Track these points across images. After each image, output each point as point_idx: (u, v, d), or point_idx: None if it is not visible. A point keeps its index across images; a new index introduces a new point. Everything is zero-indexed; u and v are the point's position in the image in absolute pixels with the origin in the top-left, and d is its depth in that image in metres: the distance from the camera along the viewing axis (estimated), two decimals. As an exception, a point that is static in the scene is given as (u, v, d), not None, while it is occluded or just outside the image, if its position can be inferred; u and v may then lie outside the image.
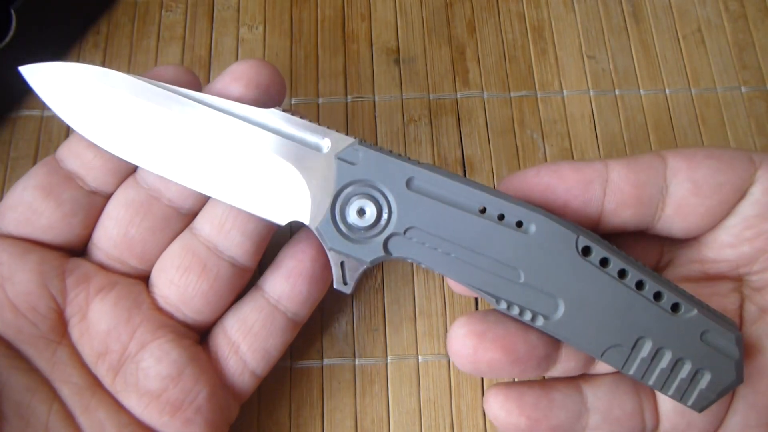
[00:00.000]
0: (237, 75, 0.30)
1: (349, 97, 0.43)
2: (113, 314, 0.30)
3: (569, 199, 0.27)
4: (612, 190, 0.27)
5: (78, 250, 0.32)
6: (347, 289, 0.28)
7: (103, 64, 0.44)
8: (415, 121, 0.43)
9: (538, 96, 0.44)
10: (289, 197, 0.28)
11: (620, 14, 0.46)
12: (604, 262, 0.25)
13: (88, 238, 0.32)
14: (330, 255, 0.28)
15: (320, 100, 0.43)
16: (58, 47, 0.43)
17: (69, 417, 0.28)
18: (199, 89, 0.31)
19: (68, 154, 0.32)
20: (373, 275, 0.39)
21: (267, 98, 0.31)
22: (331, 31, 0.45)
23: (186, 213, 0.32)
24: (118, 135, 0.30)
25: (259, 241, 0.31)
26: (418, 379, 0.37)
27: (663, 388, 0.26)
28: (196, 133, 0.29)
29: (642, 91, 0.44)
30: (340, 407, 0.37)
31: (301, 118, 0.28)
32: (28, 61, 0.41)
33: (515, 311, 0.26)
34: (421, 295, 0.39)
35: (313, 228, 0.28)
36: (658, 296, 0.25)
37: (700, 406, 0.26)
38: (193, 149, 0.30)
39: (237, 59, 0.44)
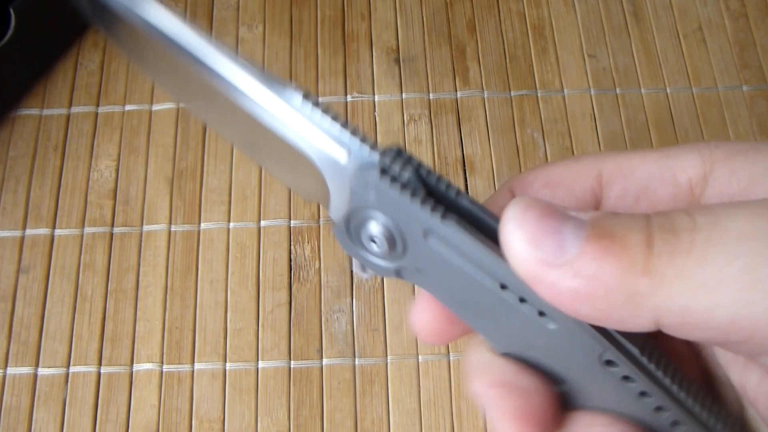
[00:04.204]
0: None
1: (349, 96, 0.43)
2: None
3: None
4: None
5: None
6: (367, 275, 0.26)
7: (102, 64, 0.44)
8: (415, 120, 0.42)
9: (539, 95, 0.44)
10: (315, 181, 0.25)
11: (621, 13, 0.46)
12: (626, 378, 0.22)
13: None
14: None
15: (320, 100, 0.43)
16: (57, 46, 0.43)
17: None
18: None
19: None
20: (373, 275, 0.39)
21: None
22: (331, 30, 0.45)
23: None
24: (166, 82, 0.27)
25: None
26: (418, 379, 0.37)
27: None
28: (226, 103, 0.24)
29: (643, 90, 0.44)
30: (340, 407, 0.36)
31: (323, 113, 0.22)
32: (27, 60, 0.41)
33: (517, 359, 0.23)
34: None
35: (333, 221, 0.25)
36: (675, 424, 0.22)
37: None
38: (227, 117, 0.25)
39: (237, 58, 0.44)
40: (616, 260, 0.17)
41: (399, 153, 0.21)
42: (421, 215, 0.20)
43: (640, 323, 0.17)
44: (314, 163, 0.23)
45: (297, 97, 0.22)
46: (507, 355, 0.23)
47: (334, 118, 0.22)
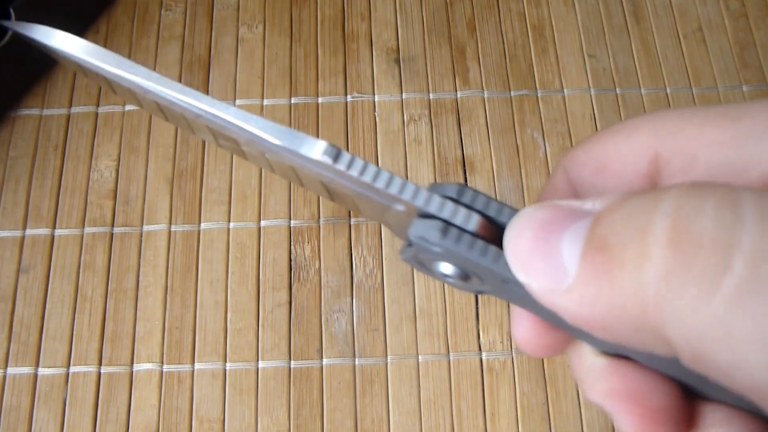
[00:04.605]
0: None
1: (348, 96, 0.43)
2: None
3: None
4: None
5: None
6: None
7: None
8: (415, 120, 0.42)
9: (539, 95, 0.44)
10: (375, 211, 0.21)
11: (621, 13, 0.46)
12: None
13: None
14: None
15: (320, 100, 0.43)
16: (58, 46, 0.43)
17: None
18: None
19: None
20: (373, 275, 0.39)
21: None
22: (331, 30, 0.45)
23: None
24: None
25: None
26: (418, 379, 0.37)
27: None
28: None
29: (643, 90, 0.44)
30: (340, 407, 0.36)
31: (360, 173, 0.18)
32: (27, 60, 0.41)
33: None
34: (421, 295, 0.39)
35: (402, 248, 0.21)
36: None
37: None
38: (262, 161, 0.22)
39: (237, 59, 0.44)
40: (610, 282, 0.12)
41: (459, 195, 0.18)
42: (497, 270, 0.17)
43: (668, 353, 0.13)
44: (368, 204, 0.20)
45: (327, 160, 0.18)
46: (614, 355, 0.20)
47: (376, 176, 0.18)
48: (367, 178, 0.18)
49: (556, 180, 0.20)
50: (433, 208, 0.17)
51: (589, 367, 0.19)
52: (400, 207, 0.18)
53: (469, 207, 0.18)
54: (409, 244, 0.19)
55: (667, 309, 0.12)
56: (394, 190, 0.18)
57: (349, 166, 0.18)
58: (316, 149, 0.18)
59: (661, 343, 0.13)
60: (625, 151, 0.18)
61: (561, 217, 0.14)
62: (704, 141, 0.16)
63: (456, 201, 0.18)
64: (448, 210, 0.17)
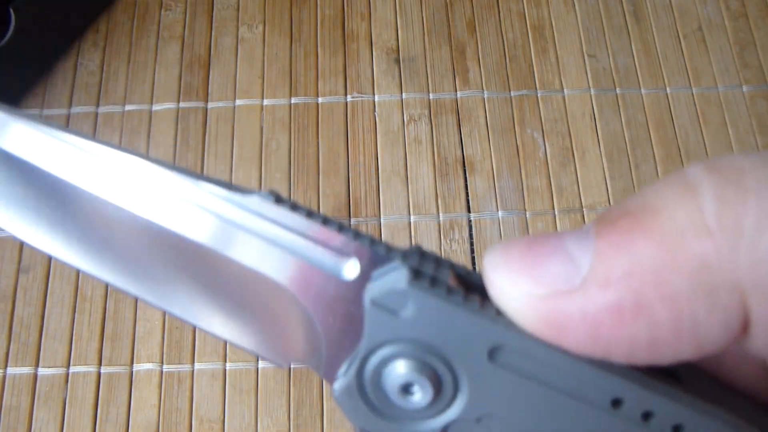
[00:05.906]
0: None
1: (348, 96, 0.43)
2: None
3: None
4: None
5: None
6: None
7: (102, 63, 0.44)
8: (415, 120, 0.42)
9: (539, 95, 0.44)
10: (292, 328, 0.17)
11: (621, 13, 0.46)
12: None
13: None
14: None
15: (320, 100, 0.43)
16: (57, 46, 0.43)
17: None
18: None
19: None
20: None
21: None
22: (331, 30, 0.45)
23: None
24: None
25: None
26: (418, 379, 0.37)
27: None
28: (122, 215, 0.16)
29: (643, 90, 0.44)
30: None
31: (307, 215, 0.16)
32: (27, 60, 0.41)
33: None
34: (421, 295, 0.39)
35: (330, 386, 0.16)
36: None
37: None
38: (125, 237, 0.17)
39: (237, 59, 0.44)
40: (650, 233, 0.10)
41: (421, 253, 0.15)
42: (487, 329, 0.14)
43: (726, 321, 0.10)
44: (295, 295, 0.16)
45: (267, 206, 0.16)
46: None
47: (325, 221, 0.15)
48: (316, 220, 0.15)
49: None
50: (395, 260, 0.14)
51: None
52: (349, 274, 0.15)
53: (436, 263, 0.15)
54: (358, 367, 0.15)
55: (733, 231, 0.10)
56: (348, 235, 0.15)
57: (294, 208, 0.16)
58: (256, 196, 0.16)
59: (725, 300, 0.10)
60: None
61: (547, 233, 0.12)
62: None
63: (420, 258, 0.15)
64: (413, 258, 0.14)
